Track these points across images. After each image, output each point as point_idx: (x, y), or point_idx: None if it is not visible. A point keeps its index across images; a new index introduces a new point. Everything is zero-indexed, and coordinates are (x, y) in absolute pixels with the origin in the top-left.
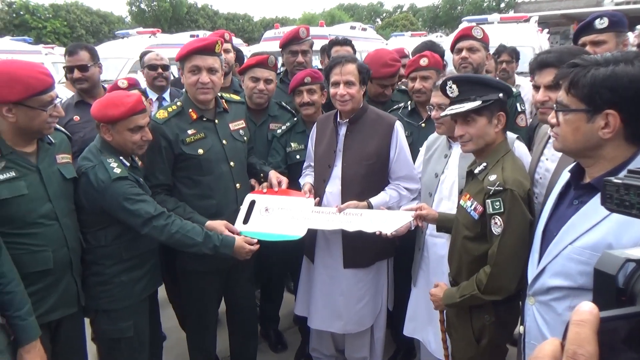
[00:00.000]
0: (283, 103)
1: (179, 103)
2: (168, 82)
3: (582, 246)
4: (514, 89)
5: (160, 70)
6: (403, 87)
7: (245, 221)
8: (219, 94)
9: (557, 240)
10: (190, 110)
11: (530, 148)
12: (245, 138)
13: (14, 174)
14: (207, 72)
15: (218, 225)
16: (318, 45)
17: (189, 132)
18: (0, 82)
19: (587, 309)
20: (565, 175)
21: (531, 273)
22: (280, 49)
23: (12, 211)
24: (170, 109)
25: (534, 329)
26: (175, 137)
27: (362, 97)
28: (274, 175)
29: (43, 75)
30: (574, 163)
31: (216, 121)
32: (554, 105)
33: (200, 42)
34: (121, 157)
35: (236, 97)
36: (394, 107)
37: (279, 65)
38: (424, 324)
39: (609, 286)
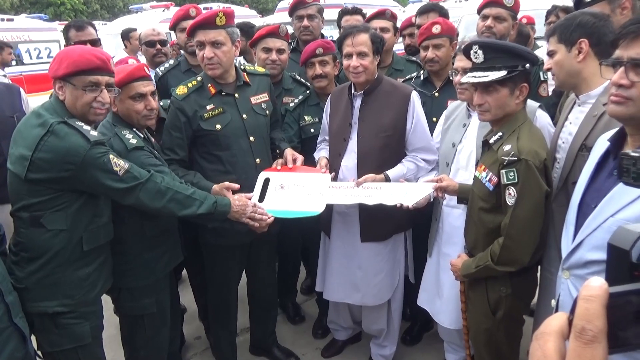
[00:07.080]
0: (297, 76)
1: (199, 78)
2: (168, 58)
3: (626, 218)
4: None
5: (158, 46)
6: (413, 58)
7: (261, 199)
8: (242, 67)
9: (596, 212)
10: (209, 85)
11: (553, 116)
12: (267, 112)
13: None
14: (211, 47)
15: (220, 188)
16: (334, 15)
17: (208, 107)
18: (56, 59)
19: (596, 284)
20: (602, 145)
21: (566, 247)
22: (290, 17)
23: None
24: (190, 84)
25: (569, 303)
26: (194, 113)
27: (376, 67)
28: (289, 152)
29: (92, 57)
30: (615, 131)
31: (236, 95)
32: (625, 64)
33: (199, 17)
34: (134, 130)
35: (261, 70)
36: (406, 77)
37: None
38: (432, 295)
39: (622, 261)
